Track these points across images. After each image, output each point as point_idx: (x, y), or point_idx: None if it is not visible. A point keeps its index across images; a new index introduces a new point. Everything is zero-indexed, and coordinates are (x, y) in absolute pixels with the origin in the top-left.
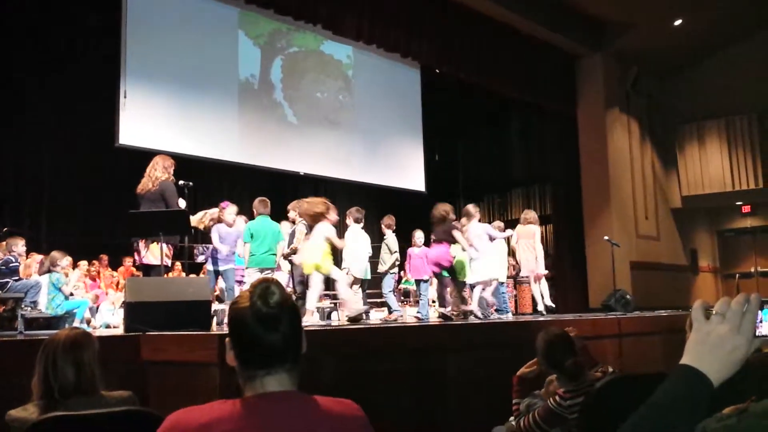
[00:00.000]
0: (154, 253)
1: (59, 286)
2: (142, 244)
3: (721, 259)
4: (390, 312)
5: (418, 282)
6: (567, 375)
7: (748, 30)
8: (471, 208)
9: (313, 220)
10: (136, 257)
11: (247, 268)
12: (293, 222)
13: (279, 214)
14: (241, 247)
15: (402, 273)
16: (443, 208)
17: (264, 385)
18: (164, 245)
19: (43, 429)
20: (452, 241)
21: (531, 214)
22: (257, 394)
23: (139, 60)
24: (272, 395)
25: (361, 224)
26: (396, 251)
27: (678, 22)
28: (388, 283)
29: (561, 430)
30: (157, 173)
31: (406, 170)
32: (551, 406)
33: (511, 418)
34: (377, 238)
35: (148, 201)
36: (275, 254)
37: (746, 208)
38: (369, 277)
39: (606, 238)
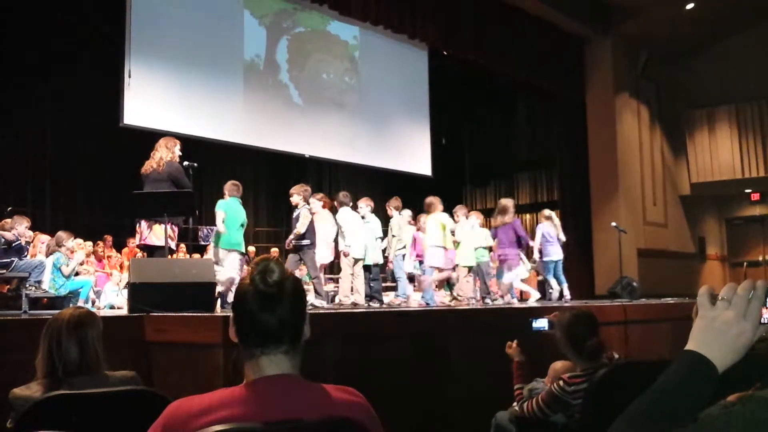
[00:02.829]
0: (157, 234)
1: (59, 266)
2: (144, 225)
3: (729, 247)
4: (396, 296)
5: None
6: (585, 355)
7: (761, 15)
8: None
9: None
10: (138, 237)
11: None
12: (296, 206)
13: (283, 196)
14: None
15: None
16: None
17: (261, 365)
18: (168, 226)
19: (46, 407)
20: None
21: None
22: (256, 379)
23: (144, 39)
24: (272, 379)
25: (349, 206)
26: (395, 235)
27: (690, 6)
28: (399, 265)
29: (564, 416)
30: (161, 153)
31: (412, 154)
32: (555, 390)
33: (514, 403)
34: (384, 222)
35: (153, 182)
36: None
37: (755, 196)
38: (380, 260)
39: (613, 224)
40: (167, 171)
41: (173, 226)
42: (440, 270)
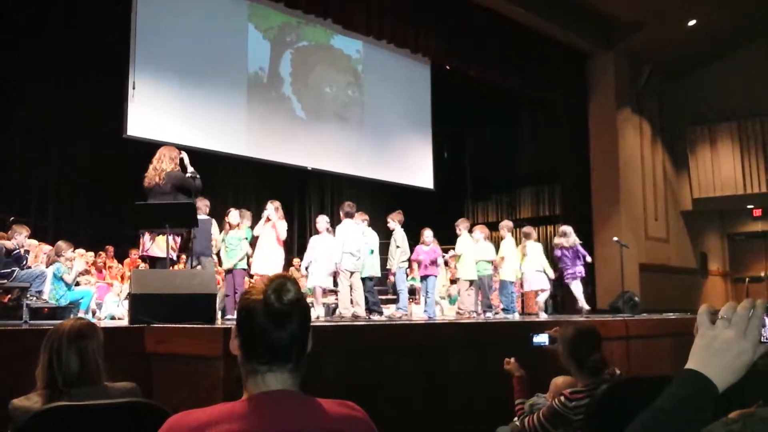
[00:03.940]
0: (160, 245)
1: (60, 275)
2: (147, 236)
3: (731, 262)
4: (396, 309)
5: (424, 279)
6: (587, 370)
7: (763, 31)
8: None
9: None
10: (141, 248)
11: None
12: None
13: (285, 211)
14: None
15: (408, 270)
16: None
17: (265, 381)
18: (170, 237)
19: (45, 418)
20: None
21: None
22: (258, 393)
23: (148, 51)
24: (272, 394)
25: (353, 219)
26: (399, 246)
27: (692, 23)
28: (401, 279)
29: (565, 430)
30: (163, 165)
31: (415, 167)
32: (556, 406)
33: (515, 418)
34: (385, 235)
35: (157, 194)
36: None
37: (757, 212)
38: (377, 273)
39: (615, 239)
40: (170, 182)
41: (176, 238)
42: (541, 291)
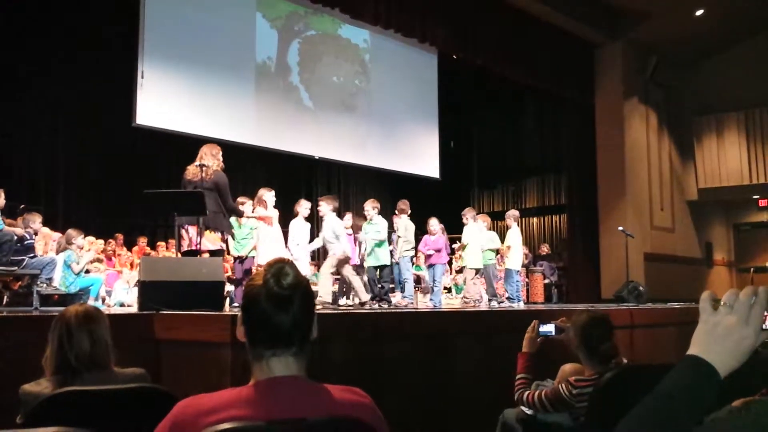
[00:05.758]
0: (210, 238)
1: (69, 263)
2: (193, 230)
3: (736, 252)
4: (402, 297)
5: (431, 268)
6: (597, 358)
7: None
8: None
9: None
10: (186, 243)
11: None
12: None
13: (293, 199)
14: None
15: (414, 259)
16: None
17: (270, 366)
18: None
19: (55, 403)
20: None
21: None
22: (264, 379)
23: (157, 40)
24: (279, 380)
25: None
26: (402, 236)
27: (699, 12)
28: (406, 267)
29: (570, 418)
30: (208, 162)
31: (421, 156)
32: (561, 390)
33: (515, 392)
34: (391, 224)
35: (197, 188)
36: None
37: (763, 202)
38: (387, 262)
39: (620, 228)
40: (214, 180)
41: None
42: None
